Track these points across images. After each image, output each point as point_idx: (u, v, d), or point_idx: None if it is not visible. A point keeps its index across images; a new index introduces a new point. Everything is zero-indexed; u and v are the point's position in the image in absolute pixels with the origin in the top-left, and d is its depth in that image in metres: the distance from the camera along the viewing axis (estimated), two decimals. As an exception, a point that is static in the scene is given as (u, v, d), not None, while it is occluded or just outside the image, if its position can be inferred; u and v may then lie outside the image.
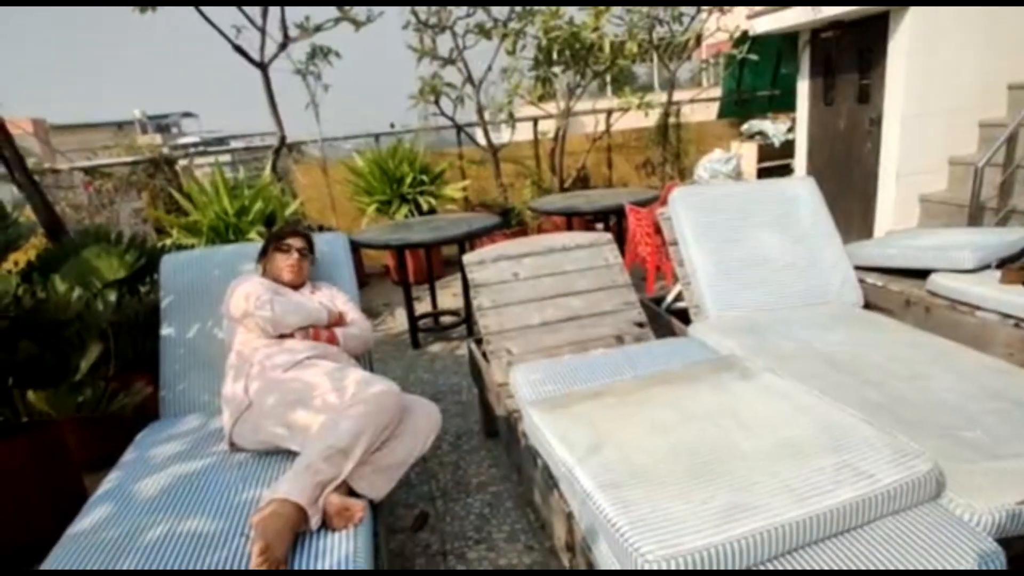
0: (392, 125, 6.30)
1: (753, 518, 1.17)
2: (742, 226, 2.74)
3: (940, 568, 1.15)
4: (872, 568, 1.16)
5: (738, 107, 7.22)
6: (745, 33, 5.74)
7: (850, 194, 4.99)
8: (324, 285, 2.36)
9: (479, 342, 2.60)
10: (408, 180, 5.31)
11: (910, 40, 4.21)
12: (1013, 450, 1.47)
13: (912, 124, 4.38)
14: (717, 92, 7.69)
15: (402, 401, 1.74)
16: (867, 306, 2.68)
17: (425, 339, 4.12)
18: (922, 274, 2.69)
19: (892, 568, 1.15)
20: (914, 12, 4.17)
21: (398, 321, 4.54)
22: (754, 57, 5.94)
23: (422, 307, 4.61)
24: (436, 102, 5.63)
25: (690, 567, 1.11)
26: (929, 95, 4.35)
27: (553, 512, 1.64)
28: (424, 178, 5.41)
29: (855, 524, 1.25)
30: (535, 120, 6.29)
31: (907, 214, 4.58)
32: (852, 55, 4.80)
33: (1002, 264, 2.54)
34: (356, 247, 4.58)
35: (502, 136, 6.15)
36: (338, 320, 2.21)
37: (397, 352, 3.99)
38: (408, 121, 6.10)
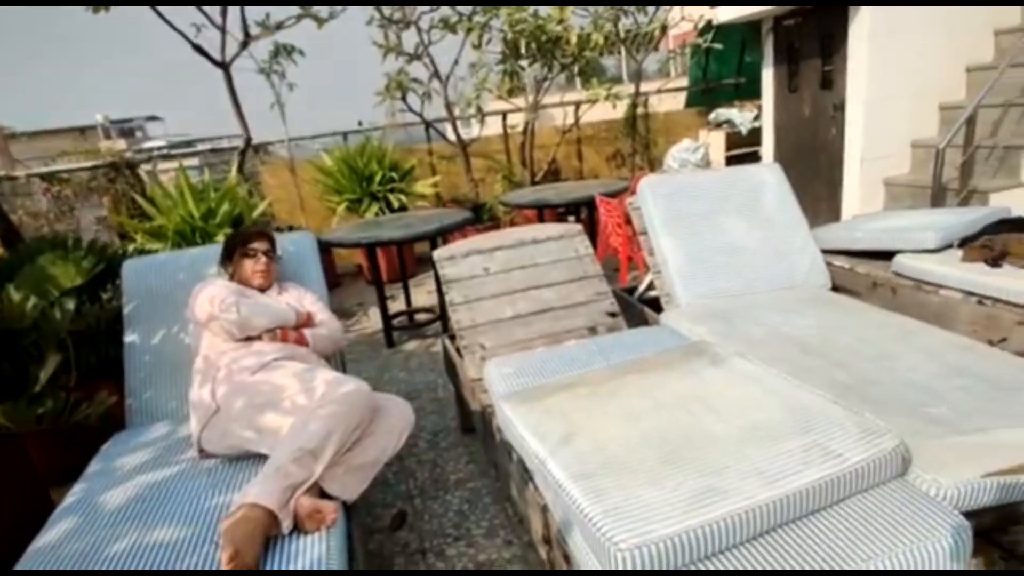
0: (360, 123, 6.23)
1: (724, 502, 1.17)
2: (711, 214, 2.76)
3: (908, 542, 1.17)
4: (841, 549, 1.17)
5: (705, 96, 7.27)
6: (709, 22, 5.78)
7: (817, 179, 5.07)
8: (291, 286, 2.32)
9: (453, 338, 2.59)
10: (377, 178, 5.26)
11: (870, 25, 4.28)
12: (977, 424, 1.50)
13: (874, 108, 4.46)
14: (684, 82, 7.74)
15: (373, 400, 1.71)
16: (835, 289, 2.72)
17: (400, 337, 4.09)
18: (888, 255, 2.73)
19: (860, 545, 1.17)
20: (873, -2, 4.24)
21: (372, 320, 4.50)
22: (719, 46, 5.98)
23: (396, 305, 4.58)
24: (403, 98, 5.58)
25: (662, 554, 1.11)
26: (890, 79, 4.42)
27: (529, 505, 1.64)
28: (394, 175, 5.37)
29: (825, 503, 1.26)
30: (504, 114, 6.27)
31: (872, 197, 4.66)
32: (814, 41, 4.86)
33: (963, 243, 2.58)
34: (327, 247, 4.53)
35: (472, 131, 6.12)
36: (306, 321, 2.17)
37: (372, 352, 3.95)
38: (376, 119, 6.05)
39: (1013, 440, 1.41)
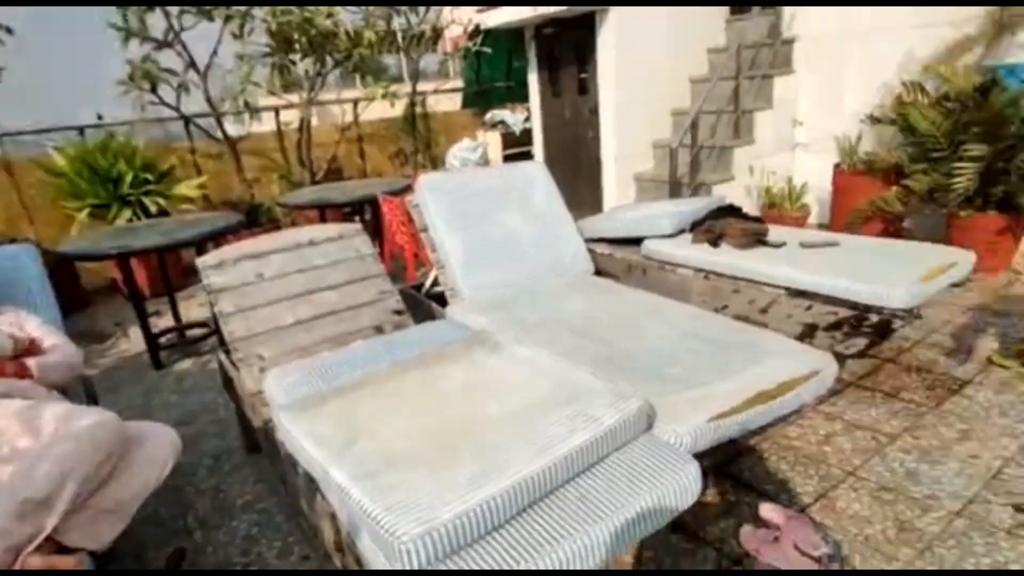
0: (99, 116, 5.40)
1: (499, 478, 1.25)
2: (487, 209, 2.89)
3: (653, 487, 1.35)
4: (601, 501, 1.32)
5: (479, 97, 7.57)
6: (478, 26, 6.03)
7: (581, 175, 5.59)
8: (8, 309, 1.95)
9: (228, 352, 2.39)
10: (128, 179, 4.63)
11: (615, 37, 4.82)
12: (703, 379, 1.79)
13: (623, 112, 5.04)
14: (461, 83, 7.98)
15: (123, 431, 1.51)
16: (598, 273, 3.03)
17: (169, 357, 3.67)
18: (638, 241, 3.12)
19: (616, 495, 1.33)
20: (615, 12, 4.77)
21: (134, 341, 3.96)
22: (488, 50, 6.26)
23: (164, 322, 4.09)
24: (153, 90, 4.95)
25: (445, 537, 1.15)
26: (633, 87, 5.03)
27: (319, 516, 1.58)
28: (148, 176, 4.76)
29: (589, 464, 1.41)
30: (277, 110, 5.90)
31: (626, 190, 5.27)
32: (571, 50, 5.34)
33: (693, 227, 3.05)
34: (66, 260, 3.90)
35: (242, 127, 5.66)
36: (28, 348, 1.83)
37: (135, 376, 3.49)
38: (120, 113, 5.28)
39: (728, 388, 1.71)
